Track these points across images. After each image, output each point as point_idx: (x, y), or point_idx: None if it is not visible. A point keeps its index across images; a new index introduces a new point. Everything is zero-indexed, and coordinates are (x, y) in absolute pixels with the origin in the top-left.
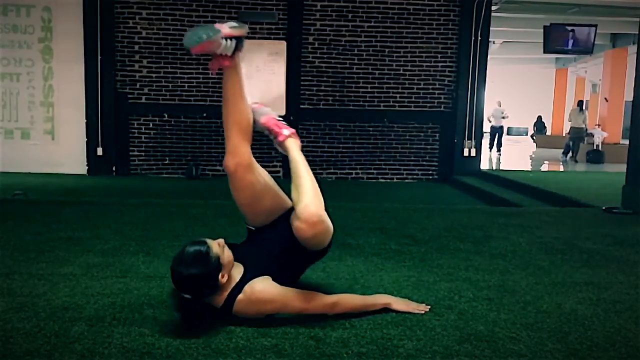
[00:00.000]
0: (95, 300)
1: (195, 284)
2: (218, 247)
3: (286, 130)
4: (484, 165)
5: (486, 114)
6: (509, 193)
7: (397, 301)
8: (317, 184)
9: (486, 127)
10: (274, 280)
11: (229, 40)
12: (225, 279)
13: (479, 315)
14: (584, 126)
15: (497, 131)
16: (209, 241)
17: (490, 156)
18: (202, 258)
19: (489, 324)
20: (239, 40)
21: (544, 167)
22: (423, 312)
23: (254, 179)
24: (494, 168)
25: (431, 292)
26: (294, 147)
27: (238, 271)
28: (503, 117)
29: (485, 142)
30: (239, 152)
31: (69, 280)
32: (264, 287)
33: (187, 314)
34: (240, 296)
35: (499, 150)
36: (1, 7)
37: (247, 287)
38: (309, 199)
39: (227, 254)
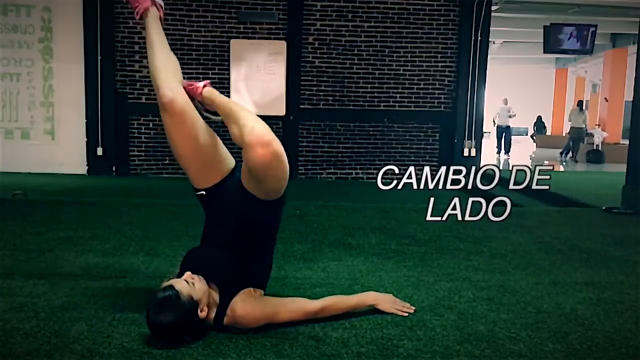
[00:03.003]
0: (95, 300)
1: (177, 331)
2: (187, 285)
3: (200, 84)
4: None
5: (491, 113)
6: (509, 193)
7: (383, 301)
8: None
9: (486, 128)
10: (252, 281)
11: None
12: (205, 313)
13: (479, 315)
14: (584, 126)
15: (503, 131)
16: (175, 284)
17: (499, 159)
18: (173, 303)
19: (489, 324)
20: None
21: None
22: (407, 314)
23: (194, 118)
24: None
25: (431, 292)
26: (214, 93)
27: (215, 294)
28: (510, 117)
29: (488, 142)
30: (175, 89)
31: (69, 280)
32: (244, 309)
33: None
34: (225, 319)
35: (507, 152)
36: (1, 7)
37: (229, 311)
38: (253, 122)
39: (198, 287)
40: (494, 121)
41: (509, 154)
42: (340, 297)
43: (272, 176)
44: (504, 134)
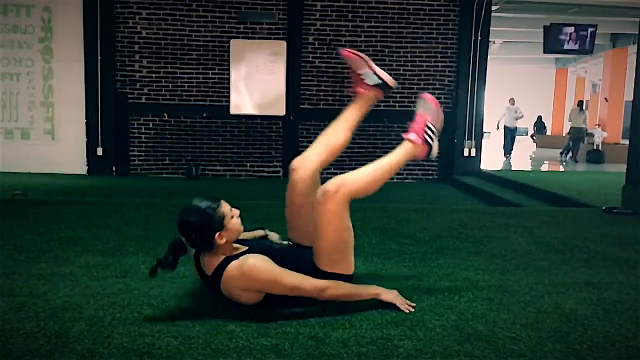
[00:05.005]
0: (95, 300)
1: (191, 229)
2: (229, 211)
3: (414, 135)
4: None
5: (491, 113)
6: (509, 193)
7: (386, 292)
8: (380, 176)
9: (486, 128)
10: None
11: (375, 75)
12: (222, 241)
13: (479, 315)
14: (584, 126)
15: (512, 133)
16: (223, 202)
17: (508, 162)
18: (206, 211)
19: (489, 324)
20: (384, 84)
21: (544, 167)
22: (407, 311)
23: (306, 189)
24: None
25: (431, 292)
26: (401, 148)
27: (240, 248)
28: (517, 118)
29: (488, 143)
30: (308, 158)
31: (69, 280)
32: (257, 262)
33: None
34: (232, 264)
35: (508, 154)
36: (1, 7)
37: (241, 259)
38: (346, 174)
39: (236, 222)
40: (498, 125)
41: (510, 154)
42: (344, 282)
43: (329, 229)
44: (511, 136)
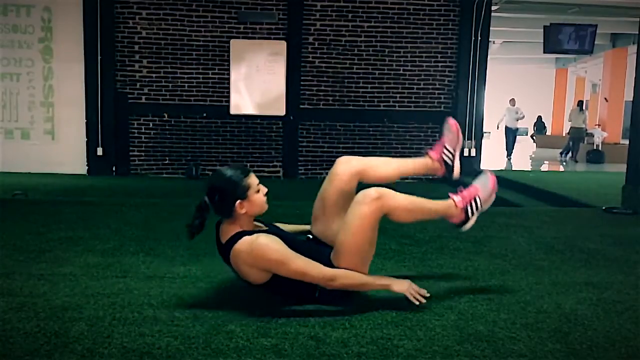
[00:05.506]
0: (95, 300)
1: (215, 192)
2: (256, 185)
3: (459, 200)
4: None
5: (491, 113)
6: (509, 193)
7: (397, 282)
8: (418, 211)
9: (486, 128)
10: None
11: (451, 156)
12: (242, 211)
13: (479, 315)
14: (584, 126)
15: (514, 134)
16: (253, 175)
17: (511, 164)
18: (232, 177)
19: (489, 324)
20: (451, 169)
21: (544, 167)
22: (417, 303)
23: (341, 186)
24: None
25: (431, 292)
26: (444, 202)
27: (260, 227)
28: (518, 119)
29: (488, 143)
30: (356, 159)
31: (69, 280)
32: (268, 241)
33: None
34: (245, 238)
35: (509, 155)
36: (1, 7)
37: (254, 236)
38: (392, 191)
39: (260, 198)
40: (498, 125)
41: (511, 155)
42: (354, 272)
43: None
44: (513, 137)
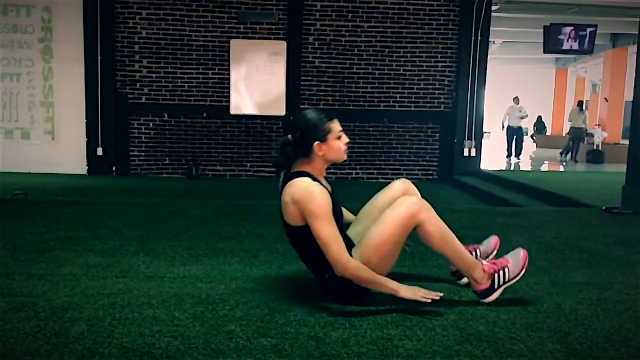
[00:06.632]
0: (95, 300)
1: (297, 128)
2: (338, 132)
3: (489, 267)
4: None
5: (491, 113)
6: (509, 193)
7: (405, 289)
8: (449, 243)
9: (486, 127)
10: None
11: (469, 274)
12: (320, 153)
13: (479, 315)
14: (584, 126)
15: (515, 133)
16: (336, 121)
17: (510, 163)
18: (315, 118)
19: (489, 324)
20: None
21: (544, 167)
22: (430, 300)
23: (389, 199)
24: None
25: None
26: (475, 260)
27: (326, 183)
28: (522, 117)
29: (489, 143)
30: (412, 186)
31: (69, 280)
32: (320, 194)
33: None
34: (306, 178)
35: (517, 156)
36: (1, 7)
37: (315, 182)
38: (434, 211)
39: (339, 145)
40: (503, 124)
41: (520, 157)
42: (367, 268)
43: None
44: (514, 136)
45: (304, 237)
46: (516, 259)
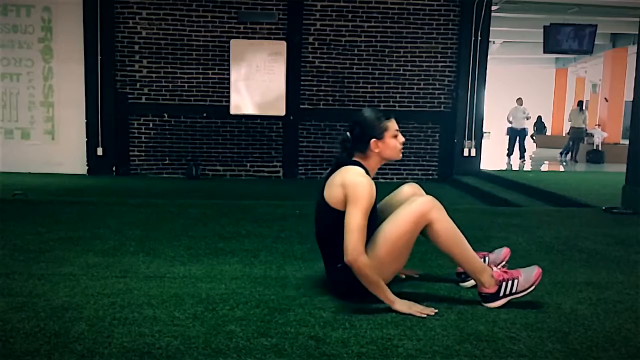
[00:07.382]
0: (95, 300)
1: (356, 124)
2: (395, 131)
3: (499, 275)
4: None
5: (491, 113)
6: (509, 193)
7: (400, 303)
8: (459, 246)
9: (486, 127)
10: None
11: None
12: (376, 150)
13: (479, 315)
14: (584, 126)
15: (517, 134)
16: (394, 121)
17: (510, 162)
18: (373, 116)
19: (489, 324)
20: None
21: (544, 167)
22: (425, 316)
23: (400, 201)
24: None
25: (431, 292)
26: (485, 266)
27: (372, 175)
28: (526, 118)
29: (491, 144)
30: (422, 193)
31: (69, 280)
32: (370, 187)
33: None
34: (362, 170)
35: (522, 157)
36: (1, 7)
37: (368, 176)
38: (445, 212)
39: (395, 143)
40: (509, 121)
41: (524, 158)
42: (375, 273)
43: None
44: (517, 137)
45: (336, 222)
46: (529, 275)
